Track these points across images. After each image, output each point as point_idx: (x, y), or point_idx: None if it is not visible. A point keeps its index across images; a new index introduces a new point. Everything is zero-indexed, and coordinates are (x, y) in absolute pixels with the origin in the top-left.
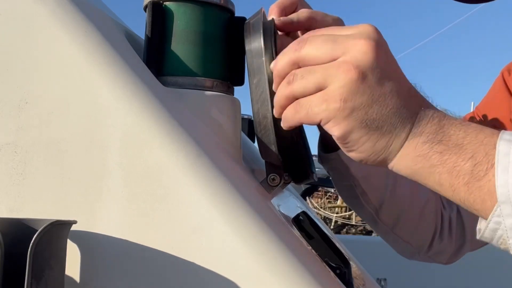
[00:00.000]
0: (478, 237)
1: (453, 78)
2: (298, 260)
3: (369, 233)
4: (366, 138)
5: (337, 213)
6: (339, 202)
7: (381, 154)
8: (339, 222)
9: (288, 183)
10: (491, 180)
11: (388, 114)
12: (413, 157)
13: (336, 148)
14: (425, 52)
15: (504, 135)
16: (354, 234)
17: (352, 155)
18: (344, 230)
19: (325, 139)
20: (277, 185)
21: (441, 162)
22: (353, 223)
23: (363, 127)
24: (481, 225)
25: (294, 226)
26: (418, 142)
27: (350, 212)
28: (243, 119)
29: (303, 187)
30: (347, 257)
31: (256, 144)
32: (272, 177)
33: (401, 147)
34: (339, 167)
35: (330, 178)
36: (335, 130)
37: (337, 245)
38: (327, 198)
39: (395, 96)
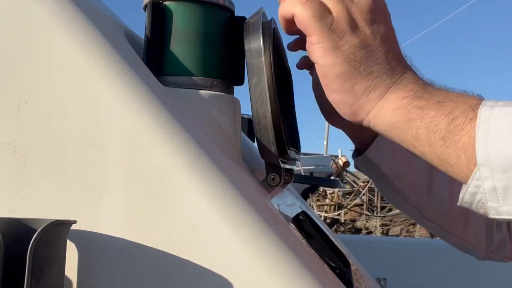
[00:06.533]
0: (459, 203)
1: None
2: (298, 260)
3: (358, 231)
4: (347, 76)
5: (325, 211)
6: (327, 200)
7: (359, 100)
8: (328, 220)
9: (288, 182)
10: (466, 135)
11: (373, 61)
12: (392, 110)
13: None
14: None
15: (488, 101)
16: (343, 232)
17: (332, 96)
18: (334, 228)
19: (357, 145)
20: (277, 185)
21: (420, 117)
22: (342, 221)
23: (347, 64)
24: (462, 191)
25: (294, 226)
26: (398, 96)
27: (338, 212)
28: (243, 118)
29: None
30: (347, 257)
31: (256, 143)
32: (272, 176)
33: (381, 98)
34: (371, 168)
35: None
36: (321, 58)
37: (337, 244)
38: (316, 197)
39: (384, 51)
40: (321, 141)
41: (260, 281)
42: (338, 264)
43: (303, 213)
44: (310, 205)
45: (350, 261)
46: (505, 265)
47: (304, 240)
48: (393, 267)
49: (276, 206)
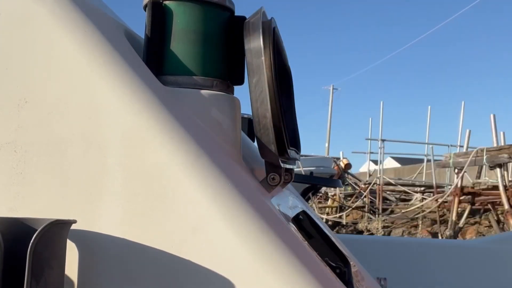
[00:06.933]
0: None
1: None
2: (298, 260)
3: (359, 233)
4: None
5: (327, 213)
6: (329, 202)
7: None
8: (330, 222)
9: (288, 182)
10: None
11: None
12: None
13: None
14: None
15: None
16: (345, 234)
17: None
18: (335, 230)
19: None
20: (277, 184)
21: None
22: (344, 223)
23: None
24: None
25: (294, 225)
26: None
27: (340, 214)
28: (243, 118)
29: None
30: (347, 257)
31: (256, 143)
32: (272, 176)
33: None
34: None
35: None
36: None
37: (337, 244)
38: (317, 199)
39: None
40: (322, 143)
41: (260, 281)
42: (338, 264)
43: (303, 212)
44: (311, 207)
45: (350, 260)
46: (505, 265)
47: (304, 240)
48: (393, 266)
49: (276, 206)
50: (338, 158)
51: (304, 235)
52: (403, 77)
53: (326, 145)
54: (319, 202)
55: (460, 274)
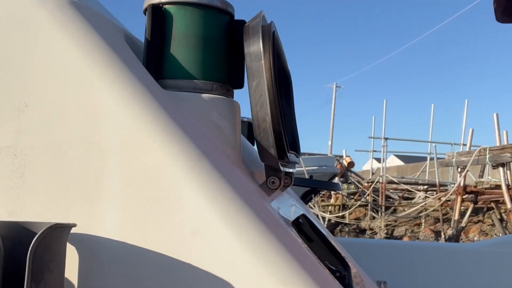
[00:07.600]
0: None
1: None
2: (298, 263)
3: (362, 231)
4: None
5: (330, 212)
6: (332, 200)
7: None
8: (332, 221)
9: (288, 185)
10: None
11: None
12: None
13: None
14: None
15: None
16: (347, 232)
17: None
18: (338, 228)
19: None
20: (276, 188)
21: None
22: (347, 221)
23: None
24: None
25: (293, 229)
26: None
27: (343, 212)
28: (243, 122)
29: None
30: (347, 260)
31: (255, 147)
32: (272, 180)
33: None
34: None
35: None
36: None
37: (337, 247)
38: (320, 197)
39: None
40: (325, 141)
41: (260, 284)
42: (338, 267)
43: (303, 216)
44: (314, 206)
45: (350, 264)
46: (505, 269)
47: (304, 244)
48: (393, 270)
49: (276, 209)
50: (341, 156)
51: (304, 239)
52: (406, 76)
53: (329, 143)
54: (322, 201)
55: (460, 278)
